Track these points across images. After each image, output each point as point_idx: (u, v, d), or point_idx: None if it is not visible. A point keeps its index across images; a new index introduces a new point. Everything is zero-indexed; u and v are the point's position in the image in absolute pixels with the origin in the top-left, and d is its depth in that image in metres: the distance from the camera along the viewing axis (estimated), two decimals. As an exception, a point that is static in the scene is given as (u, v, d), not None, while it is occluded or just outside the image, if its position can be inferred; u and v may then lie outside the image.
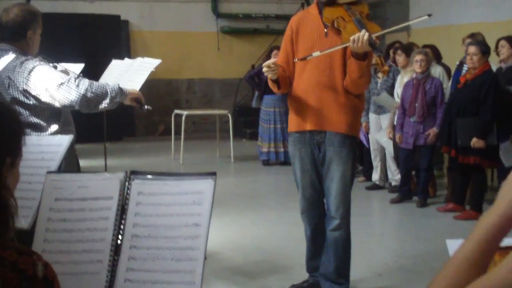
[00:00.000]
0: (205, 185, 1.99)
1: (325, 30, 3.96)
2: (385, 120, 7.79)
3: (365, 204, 7.35)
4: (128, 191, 2.08)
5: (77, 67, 4.64)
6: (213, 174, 2.00)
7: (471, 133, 6.21)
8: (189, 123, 11.90)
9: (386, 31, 4.36)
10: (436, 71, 7.47)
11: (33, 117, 3.43)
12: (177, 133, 10.67)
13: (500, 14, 10.51)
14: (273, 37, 14.02)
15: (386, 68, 3.73)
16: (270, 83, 4.01)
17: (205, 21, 14.36)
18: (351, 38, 3.67)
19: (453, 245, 1.51)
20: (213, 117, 12.36)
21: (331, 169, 4.04)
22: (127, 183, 2.09)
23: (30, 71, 3.37)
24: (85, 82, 3.39)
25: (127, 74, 4.30)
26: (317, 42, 3.96)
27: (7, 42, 3.51)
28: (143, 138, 13.69)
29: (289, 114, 4.22)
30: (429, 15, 3.73)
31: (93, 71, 5.00)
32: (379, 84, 7.82)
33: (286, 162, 9.98)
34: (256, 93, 10.58)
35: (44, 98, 3.37)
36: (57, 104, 3.39)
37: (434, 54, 7.77)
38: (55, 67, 3.60)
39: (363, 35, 3.63)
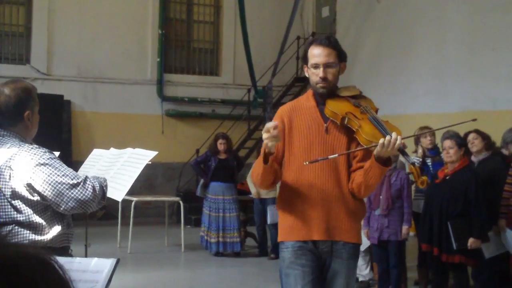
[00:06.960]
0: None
1: (325, 125, 3.52)
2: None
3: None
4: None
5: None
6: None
7: (466, 234, 5.91)
8: (129, 207, 11.37)
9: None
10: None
11: (35, 216, 2.94)
12: (116, 217, 10.14)
13: (447, 105, 10.65)
14: (219, 122, 13.81)
15: (424, 178, 3.39)
16: (261, 155, 3.36)
17: (150, 103, 14.06)
18: (381, 141, 3.24)
19: None
20: (156, 202, 11.87)
21: (336, 282, 3.56)
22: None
23: (38, 164, 2.90)
24: (96, 184, 2.97)
25: (116, 167, 3.88)
26: (317, 139, 3.52)
27: (3, 128, 3.02)
28: (82, 222, 12.91)
29: (280, 218, 3.64)
30: (474, 120, 3.65)
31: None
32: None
33: (239, 253, 9.55)
34: (201, 181, 9.86)
35: (50, 197, 2.91)
36: (62, 207, 2.92)
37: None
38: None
39: (396, 139, 3.23)
